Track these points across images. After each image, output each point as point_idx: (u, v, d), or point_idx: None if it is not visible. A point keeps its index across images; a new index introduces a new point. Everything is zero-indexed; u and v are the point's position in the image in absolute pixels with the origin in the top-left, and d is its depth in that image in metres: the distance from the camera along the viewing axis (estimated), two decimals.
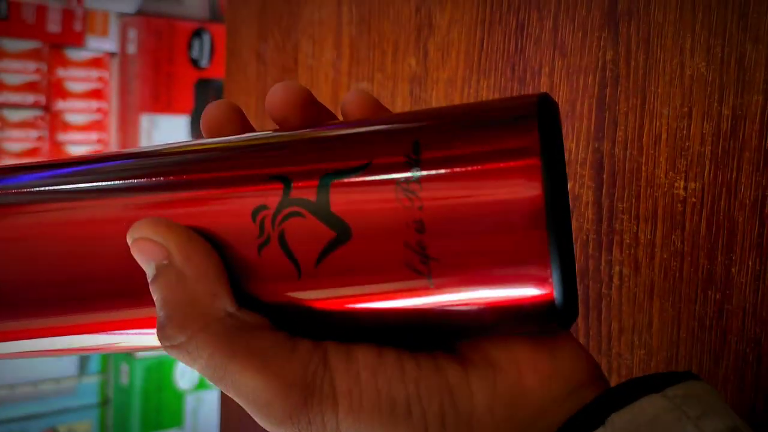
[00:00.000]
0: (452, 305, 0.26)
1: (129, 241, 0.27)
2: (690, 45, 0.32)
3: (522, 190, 0.24)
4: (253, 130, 0.31)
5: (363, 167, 0.25)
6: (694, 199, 0.33)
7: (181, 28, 1.40)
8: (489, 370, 0.28)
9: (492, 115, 0.26)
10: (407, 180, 0.25)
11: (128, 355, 1.44)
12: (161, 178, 0.28)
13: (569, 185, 0.37)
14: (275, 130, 0.29)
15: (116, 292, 0.28)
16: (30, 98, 1.34)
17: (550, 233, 0.24)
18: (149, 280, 0.27)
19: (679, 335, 0.34)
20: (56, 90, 1.36)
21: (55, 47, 1.35)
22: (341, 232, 0.25)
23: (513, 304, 0.25)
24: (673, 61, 0.33)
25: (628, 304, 0.35)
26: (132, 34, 1.39)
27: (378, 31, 0.48)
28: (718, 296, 0.32)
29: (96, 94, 1.41)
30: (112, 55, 1.41)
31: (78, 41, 1.37)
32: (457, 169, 0.24)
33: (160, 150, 0.29)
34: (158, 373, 1.50)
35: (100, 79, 1.40)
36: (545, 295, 0.25)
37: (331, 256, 0.26)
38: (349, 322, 0.27)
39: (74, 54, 1.37)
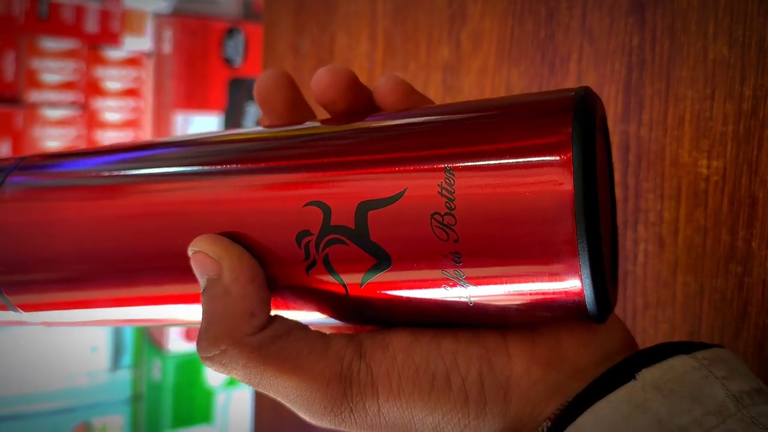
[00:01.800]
0: (490, 311, 0.27)
1: (189, 252, 0.29)
2: (713, 30, 0.34)
3: (550, 189, 0.24)
4: (301, 96, 0.33)
5: (398, 196, 0.26)
6: (716, 177, 0.34)
7: (214, 28, 1.43)
8: (527, 333, 0.29)
9: (527, 116, 0.26)
10: (441, 213, 0.25)
11: (160, 350, 1.47)
12: (219, 178, 0.29)
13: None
14: (308, 138, 0.30)
15: (168, 267, 0.30)
16: (68, 97, 1.37)
17: (580, 232, 0.24)
18: (201, 291, 0.29)
19: (702, 309, 0.35)
20: (93, 89, 1.39)
21: (93, 47, 1.38)
22: (382, 259, 0.26)
23: (547, 305, 0.26)
24: (697, 45, 0.34)
25: (653, 280, 0.37)
26: (167, 33, 1.41)
27: (412, 22, 0.49)
28: (739, 270, 0.34)
29: (132, 92, 1.44)
30: (147, 54, 1.44)
31: (115, 41, 1.40)
32: (491, 191, 0.25)
33: (216, 142, 0.31)
34: (189, 370, 1.51)
35: (136, 78, 1.43)
36: (576, 295, 0.25)
37: (374, 278, 0.27)
38: (391, 324, 0.29)
39: (111, 53, 1.40)
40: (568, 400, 0.28)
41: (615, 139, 0.38)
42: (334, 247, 0.27)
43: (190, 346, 1.46)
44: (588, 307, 0.25)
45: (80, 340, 1.40)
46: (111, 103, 1.41)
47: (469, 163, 0.25)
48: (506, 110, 0.26)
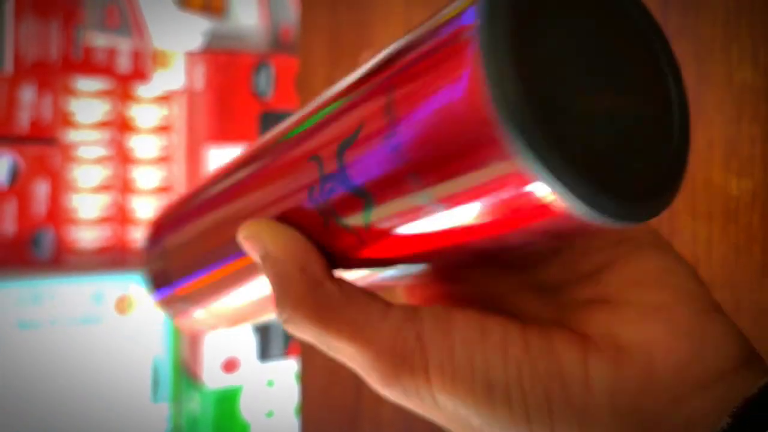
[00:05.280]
0: (484, 241, 0.25)
1: (239, 240, 0.31)
2: (737, 55, 0.35)
3: (461, 73, 0.22)
4: None
5: (358, 131, 0.26)
6: (746, 196, 0.35)
7: (244, 62, 1.46)
8: (613, 353, 0.25)
9: (442, 24, 0.24)
10: (389, 135, 0.25)
11: (197, 384, 1.48)
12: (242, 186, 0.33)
13: None
14: (304, 113, 0.31)
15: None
16: (103, 135, 1.40)
17: (500, 110, 0.21)
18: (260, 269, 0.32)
19: (741, 323, 0.36)
20: (126, 127, 1.42)
21: (126, 85, 1.41)
22: (365, 196, 0.27)
23: (530, 212, 0.23)
24: (722, 70, 0.36)
25: None
26: (198, 70, 1.44)
27: None
28: None
29: (164, 129, 1.46)
30: (179, 91, 1.47)
31: (146, 79, 1.43)
32: (422, 100, 0.24)
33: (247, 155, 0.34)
34: (226, 404, 1.52)
35: (168, 115, 1.46)
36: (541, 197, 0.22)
37: (372, 220, 0.27)
38: (411, 261, 0.28)
39: (143, 91, 1.43)
40: None
41: None
42: (334, 197, 0.28)
43: (228, 379, 1.48)
44: (566, 200, 0.22)
45: (118, 373, 1.42)
46: (144, 140, 1.43)
47: (403, 83, 0.25)
48: (428, 29, 0.25)
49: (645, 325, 0.25)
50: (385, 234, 0.27)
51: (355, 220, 0.27)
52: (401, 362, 0.26)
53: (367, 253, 0.28)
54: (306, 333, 0.29)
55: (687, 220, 0.38)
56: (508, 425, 0.25)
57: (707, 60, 0.36)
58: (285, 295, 0.29)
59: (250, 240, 0.31)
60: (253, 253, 0.31)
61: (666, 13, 0.38)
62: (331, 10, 0.63)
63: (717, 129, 0.36)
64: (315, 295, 0.28)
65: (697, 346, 0.24)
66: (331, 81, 0.64)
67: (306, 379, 0.62)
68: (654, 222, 0.39)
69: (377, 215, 0.26)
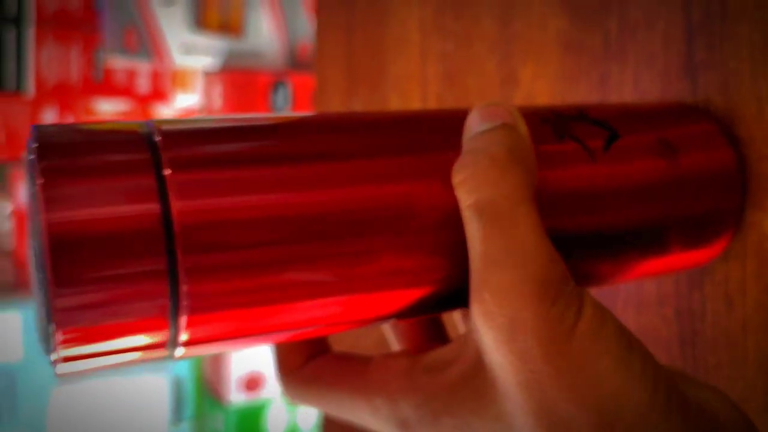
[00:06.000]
0: None
1: (478, 110, 0.28)
2: (766, 89, 0.34)
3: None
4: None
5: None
6: None
7: (262, 81, 1.46)
8: None
9: None
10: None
11: (220, 402, 1.48)
12: None
13: None
14: None
15: None
16: None
17: None
18: (479, 131, 0.27)
19: None
20: None
21: (145, 106, 1.42)
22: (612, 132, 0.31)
23: None
24: (751, 104, 0.35)
25: (723, 338, 0.37)
26: (217, 89, 1.45)
27: (462, 86, 0.50)
28: None
29: None
30: (198, 110, 1.47)
31: (166, 99, 1.44)
32: None
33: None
34: (250, 421, 1.53)
35: None
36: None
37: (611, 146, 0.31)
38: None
39: (163, 111, 1.44)
40: None
41: None
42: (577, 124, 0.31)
43: (251, 397, 1.48)
44: None
45: (140, 394, 1.42)
46: None
47: None
48: None
49: None
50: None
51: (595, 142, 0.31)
52: (559, 295, 0.25)
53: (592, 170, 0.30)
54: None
55: (719, 260, 0.37)
56: None
57: (734, 92, 0.35)
58: (521, 160, 0.27)
59: (499, 109, 0.28)
60: (491, 116, 0.28)
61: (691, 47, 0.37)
62: (347, 32, 0.63)
63: (747, 165, 0.35)
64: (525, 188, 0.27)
65: None
66: (347, 101, 0.63)
67: None
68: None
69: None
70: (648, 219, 0.31)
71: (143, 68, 1.42)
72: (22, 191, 1.32)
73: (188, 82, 1.47)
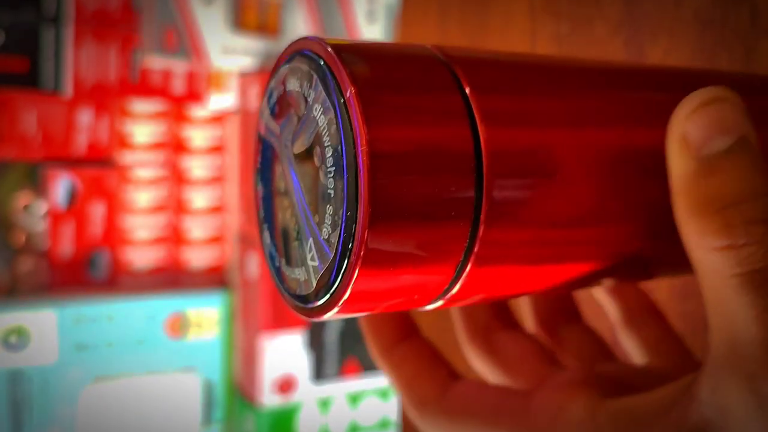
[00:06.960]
0: None
1: (696, 100, 0.23)
2: None
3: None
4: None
5: None
6: None
7: None
8: None
9: None
10: None
11: (251, 404, 1.48)
12: None
13: None
14: None
15: None
16: (157, 156, 1.41)
17: None
18: (715, 151, 0.22)
19: None
20: (180, 147, 1.42)
21: (180, 106, 1.42)
22: None
23: None
24: None
25: None
26: (253, 90, 1.45)
27: None
28: None
29: (217, 149, 1.47)
30: (232, 111, 1.47)
31: (201, 100, 1.44)
32: None
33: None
34: (283, 424, 1.52)
35: (221, 135, 1.47)
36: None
37: None
38: None
39: (197, 112, 1.44)
40: None
41: None
42: None
43: (283, 400, 1.47)
44: None
45: (171, 394, 1.41)
46: (197, 160, 1.44)
47: None
48: None
49: None
50: None
51: None
52: None
53: None
54: None
55: None
56: None
57: None
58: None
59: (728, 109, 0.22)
60: (721, 127, 0.22)
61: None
62: (440, 14, 0.63)
63: None
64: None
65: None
66: None
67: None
68: None
69: None
70: None
71: (179, 69, 1.42)
72: (57, 192, 1.32)
73: (223, 82, 1.47)
